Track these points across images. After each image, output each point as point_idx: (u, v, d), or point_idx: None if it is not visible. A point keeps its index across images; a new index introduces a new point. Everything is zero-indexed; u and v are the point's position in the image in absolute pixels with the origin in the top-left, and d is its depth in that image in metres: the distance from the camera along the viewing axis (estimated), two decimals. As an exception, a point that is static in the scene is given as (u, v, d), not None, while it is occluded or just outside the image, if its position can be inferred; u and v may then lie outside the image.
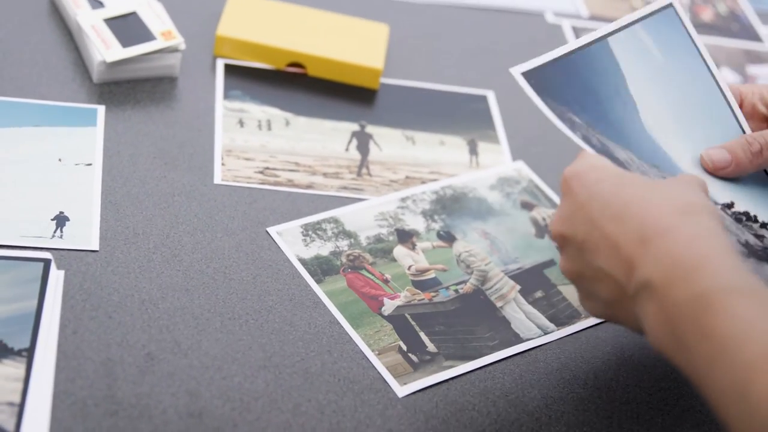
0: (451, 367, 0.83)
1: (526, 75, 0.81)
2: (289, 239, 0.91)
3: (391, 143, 1.05)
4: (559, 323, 0.89)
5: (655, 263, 0.68)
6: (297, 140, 1.02)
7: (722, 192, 0.84)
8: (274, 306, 0.85)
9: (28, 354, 0.76)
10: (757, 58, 1.31)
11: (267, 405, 0.78)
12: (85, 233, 0.87)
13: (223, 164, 0.97)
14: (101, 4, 1.04)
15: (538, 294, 0.91)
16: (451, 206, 0.98)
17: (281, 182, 0.97)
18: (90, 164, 0.93)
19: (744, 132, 0.87)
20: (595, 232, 0.72)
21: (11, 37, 1.04)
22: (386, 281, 0.90)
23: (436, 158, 1.04)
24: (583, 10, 1.31)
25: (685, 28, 0.88)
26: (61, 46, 1.05)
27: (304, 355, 0.82)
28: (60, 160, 0.93)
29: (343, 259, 0.91)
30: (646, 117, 0.85)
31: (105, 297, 0.82)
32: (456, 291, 0.90)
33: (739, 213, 0.83)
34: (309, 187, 0.97)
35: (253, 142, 1.00)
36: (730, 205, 0.83)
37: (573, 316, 0.89)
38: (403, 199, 0.98)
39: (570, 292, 0.91)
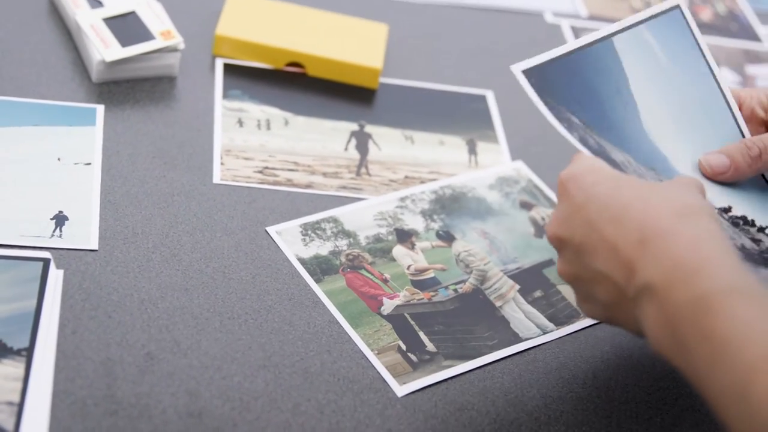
0: (450, 366, 0.84)
1: (527, 72, 0.81)
2: (289, 239, 0.91)
3: (390, 143, 1.05)
4: (558, 323, 0.89)
5: (655, 265, 0.68)
6: (296, 140, 1.02)
7: (720, 196, 0.83)
8: (274, 305, 0.85)
9: (28, 353, 0.76)
10: (756, 57, 1.31)
11: (266, 404, 0.78)
12: (85, 233, 0.87)
13: (222, 164, 0.97)
14: (100, 4, 1.04)
15: (537, 293, 0.91)
16: (451, 206, 0.98)
17: (280, 182, 0.97)
18: (89, 164, 0.93)
19: (744, 137, 0.87)
20: (593, 234, 0.72)
21: (11, 36, 1.04)
22: (385, 281, 0.90)
23: (436, 158, 1.04)
24: (582, 10, 1.31)
25: (691, 30, 0.88)
26: (60, 46, 1.05)
27: (303, 354, 0.82)
28: (59, 159, 0.93)
29: (343, 259, 0.91)
30: (646, 118, 0.85)
31: (104, 296, 0.82)
32: (455, 290, 0.90)
33: (737, 217, 0.83)
34: (308, 186, 0.97)
35: (252, 141, 1.00)
36: (728, 210, 0.83)
37: (572, 316, 0.89)
38: (403, 199, 0.98)
39: (569, 292, 0.91)
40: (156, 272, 0.85)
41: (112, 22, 1.02)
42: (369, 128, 1.06)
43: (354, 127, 1.05)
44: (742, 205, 0.84)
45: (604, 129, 0.82)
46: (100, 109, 0.99)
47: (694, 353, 0.65)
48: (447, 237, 0.95)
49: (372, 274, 0.90)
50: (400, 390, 0.81)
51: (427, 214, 0.97)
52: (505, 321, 0.88)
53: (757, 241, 0.82)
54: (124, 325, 0.80)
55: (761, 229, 0.83)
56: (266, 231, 0.91)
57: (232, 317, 0.83)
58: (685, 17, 0.88)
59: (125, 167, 0.94)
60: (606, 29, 0.85)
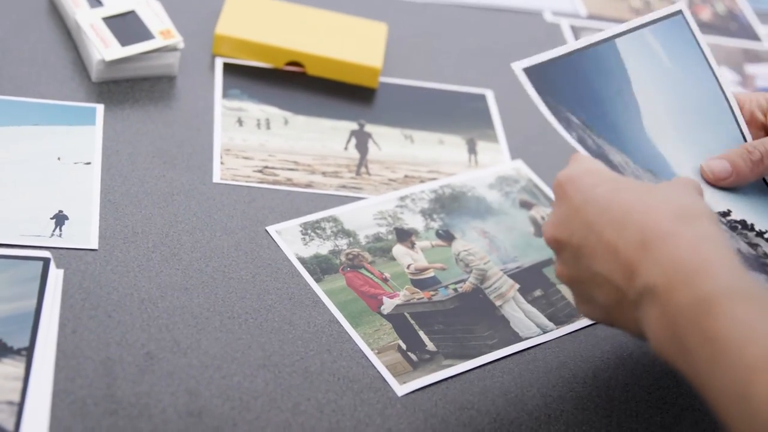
0: (450, 365, 0.84)
1: (527, 71, 0.81)
2: (288, 238, 0.91)
3: (390, 142, 1.05)
4: (558, 322, 0.89)
5: (656, 268, 0.68)
6: (296, 139, 1.02)
7: (719, 200, 0.83)
8: (274, 305, 0.85)
9: (28, 353, 0.76)
10: (755, 57, 1.31)
11: (266, 404, 0.78)
12: (85, 232, 0.87)
13: (222, 163, 0.97)
14: (100, 3, 1.04)
15: (537, 293, 0.91)
16: (450, 205, 0.98)
17: (280, 181, 0.97)
18: (89, 163, 0.93)
19: (745, 141, 0.87)
20: (592, 236, 0.72)
21: (10, 36, 1.04)
22: (385, 280, 0.90)
23: (435, 157, 1.04)
24: (582, 10, 1.31)
25: (694, 35, 0.88)
26: (59, 45, 1.05)
27: (303, 354, 0.82)
28: (59, 158, 0.93)
29: (343, 258, 0.91)
30: (648, 121, 0.85)
31: (104, 296, 0.82)
32: (455, 290, 0.90)
33: (735, 221, 0.83)
34: (308, 186, 0.97)
35: (252, 141, 1.00)
36: (727, 213, 0.83)
37: (572, 315, 0.89)
38: (402, 198, 0.98)
39: (569, 291, 0.91)
40: (156, 272, 0.85)
41: (111, 21, 1.02)
42: (369, 127, 1.06)
43: (354, 126, 1.05)
44: (741, 208, 0.84)
45: (604, 129, 0.82)
46: (100, 108, 0.99)
47: (695, 354, 0.65)
48: (447, 236, 0.95)
49: (372, 274, 0.90)
50: (400, 389, 0.81)
51: (426, 214, 0.97)
52: (505, 320, 0.88)
53: (754, 246, 0.81)
54: (123, 324, 0.80)
55: (760, 234, 0.83)
56: (266, 230, 0.91)
57: (232, 317, 0.83)
58: (687, 22, 0.88)
59: (125, 167, 0.94)
60: (609, 31, 0.85)
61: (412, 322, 0.87)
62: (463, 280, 0.91)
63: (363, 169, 1.01)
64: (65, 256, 0.84)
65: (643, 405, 0.84)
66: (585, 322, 0.89)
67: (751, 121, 0.88)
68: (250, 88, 1.06)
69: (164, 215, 0.90)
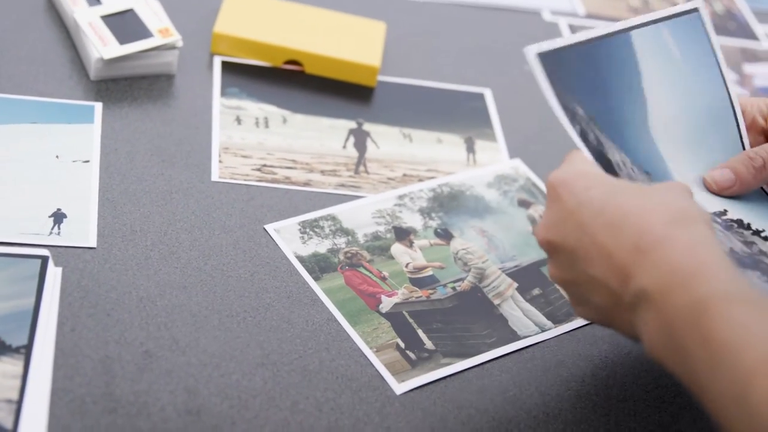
0: (448, 364, 0.84)
1: (542, 56, 0.78)
2: (287, 236, 0.91)
3: (388, 141, 1.05)
4: (557, 321, 0.89)
5: (651, 271, 0.68)
6: (294, 138, 1.02)
7: (715, 201, 0.83)
8: (272, 303, 0.85)
9: (26, 351, 0.76)
10: (753, 56, 1.31)
11: (265, 402, 0.78)
12: (83, 230, 0.87)
13: (220, 161, 0.97)
14: (98, 2, 1.04)
15: (536, 291, 0.91)
16: (449, 204, 0.98)
17: (279, 179, 0.97)
18: (87, 161, 0.93)
19: (744, 148, 0.86)
20: (585, 238, 0.72)
21: (8, 34, 1.04)
22: (384, 278, 0.90)
23: (434, 156, 1.04)
24: (580, 9, 1.31)
25: (707, 35, 0.87)
26: (58, 43, 1.05)
27: (302, 352, 0.82)
28: (57, 157, 0.93)
29: (341, 257, 0.91)
30: (653, 118, 0.84)
31: (103, 294, 0.82)
32: (453, 288, 0.90)
33: (731, 220, 0.82)
34: (306, 184, 0.97)
35: (250, 139, 1.00)
36: (723, 213, 0.83)
37: (570, 314, 0.89)
38: (401, 197, 0.98)
39: (567, 290, 0.91)
40: (154, 270, 0.85)
41: (110, 19, 1.02)
42: (367, 126, 1.06)
43: (352, 125, 1.05)
44: (737, 208, 0.84)
45: (608, 124, 0.81)
46: (98, 106, 0.99)
47: (693, 357, 0.65)
48: (445, 235, 0.95)
49: (370, 272, 0.90)
50: (399, 388, 0.81)
51: (425, 212, 0.97)
52: (504, 319, 0.88)
53: (749, 244, 0.81)
54: (122, 322, 0.80)
55: (756, 233, 0.83)
56: (264, 229, 0.91)
57: (231, 315, 0.83)
58: (703, 21, 0.87)
59: (123, 165, 0.94)
60: (626, 22, 0.83)
61: (411, 320, 0.87)
62: (462, 279, 0.91)
63: (361, 168, 1.01)
64: (63, 254, 0.84)
65: (642, 404, 0.84)
66: (583, 321, 0.89)
67: (751, 126, 0.88)
68: (248, 86, 1.06)
69: (163, 213, 0.90)
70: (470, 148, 1.06)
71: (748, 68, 1.29)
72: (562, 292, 0.91)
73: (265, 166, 0.98)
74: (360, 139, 1.04)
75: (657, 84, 0.84)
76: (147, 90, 1.02)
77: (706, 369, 0.64)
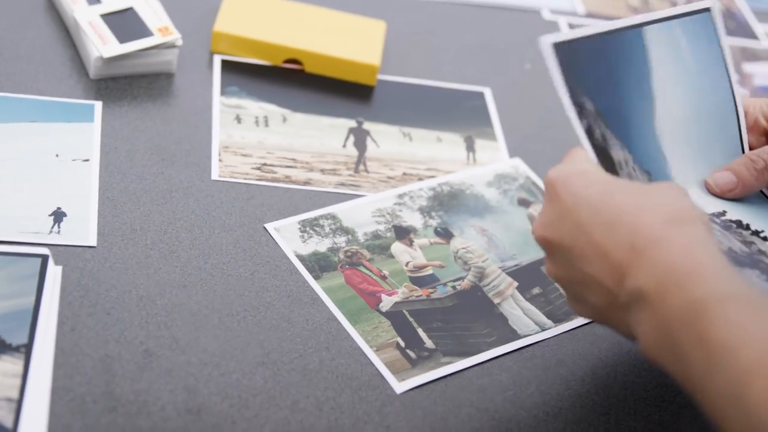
0: (448, 363, 0.84)
1: (556, 46, 0.77)
2: (287, 235, 0.91)
3: (388, 140, 1.05)
4: (557, 320, 0.89)
5: (648, 271, 0.67)
6: (294, 136, 1.02)
7: (714, 201, 0.83)
8: (272, 302, 0.85)
9: (26, 350, 0.76)
10: (753, 55, 1.31)
11: (265, 402, 0.78)
12: (83, 229, 0.87)
13: (220, 160, 0.97)
14: (98, 0, 1.04)
15: (536, 290, 0.91)
16: (449, 203, 0.98)
17: (278, 178, 0.97)
18: (87, 160, 0.93)
19: (744, 150, 0.86)
20: (582, 237, 0.71)
21: (8, 32, 1.04)
22: (384, 277, 0.90)
23: (433, 155, 1.04)
24: (580, 8, 1.31)
25: (717, 36, 0.87)
26: (57, 42, 1.04)
27: (302, 351, 0.82)
28: (57, 155, 0.93)
29: (341, 256, 0.91)
30: (660, 116, 0.83)
31: (103, 293, 0.82)
32: (453, 287, 0.90)
33: (731, 221, 0.82)
34: (306, 183, 0.97)
35: (250, 138, 1.00)
36: (722, 214, 0.83)
37: (570, 313, 0.89)
38: (401, 196, 0.98)
39: (567, 289, 0.91)
40: (154, 269, 0.85)
41: (109, 18, 1.02)
42: (367, 125, 1.06)
43: (352, 123, 1.05)
44: (736, 210, 0.84)
45: (615, 120, 0.80)
46: (98, 105, 0.99)
47: (689, 357, 0.65)
48: (445, 234, 0.95)
49: (370, 271, 0.90)
50: (399, 387, 0.81)
51: (425, 211, 0.97)
52: (504, 318, 0.88)
53: (748, 244, 0.81)
54: (122, 321, 0.80)
55: (755, 233, 0.83)
56: (264, 228, 0.91)
57: (231, 314, 0.83)
58: (714, 22, 0.86)
59: (123, 164, 0.94)
60: (640, 17, 0.83)
61: (411, 319, 0.87)
62: (462, 278, 0.91)
63: (361, 167, 1.01)
64: (63, 253, 0.84)
65: (642, 403, 0.84)
66: (583, 320, 0.89)
67: (754, 127, 0.88)
68: (248, 85, 1.06)
69: (162, 212, 0.90)
70: (470, 147, 1.06)
71: (748, 67, 1.29)
72: (560, 289, 0.91)
73: (265, 165, 0.98)
74: (360, 138, 1.04)
75: (665, 82, 0.84)
76: (147, 89, 1.02)
77: (702, 369, 0.64)
